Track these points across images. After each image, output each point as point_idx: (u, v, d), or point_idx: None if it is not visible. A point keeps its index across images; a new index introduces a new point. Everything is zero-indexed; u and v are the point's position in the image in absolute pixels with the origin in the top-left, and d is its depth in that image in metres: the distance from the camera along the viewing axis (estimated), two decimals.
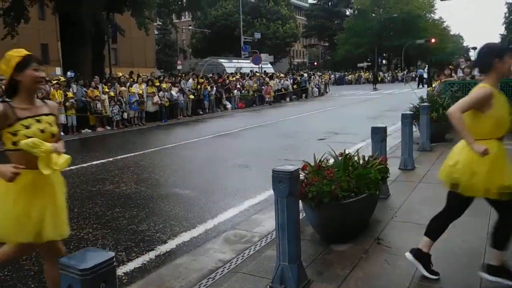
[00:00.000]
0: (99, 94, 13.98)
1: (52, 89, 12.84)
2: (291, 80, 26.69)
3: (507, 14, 58.16)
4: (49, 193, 2.38)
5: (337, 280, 2.97)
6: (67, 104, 12.95)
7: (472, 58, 17.49)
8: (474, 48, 49.55)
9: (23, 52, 2.39)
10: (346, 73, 51.36)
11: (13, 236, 2.34)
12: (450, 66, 13.43)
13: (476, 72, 9.64)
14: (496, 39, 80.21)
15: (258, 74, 25.09)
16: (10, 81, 2.38)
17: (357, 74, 49.78)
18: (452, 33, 72.10)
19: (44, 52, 32.85)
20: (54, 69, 28.69)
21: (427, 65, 32.96)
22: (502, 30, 66.24)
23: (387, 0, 57.87)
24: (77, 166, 7.67)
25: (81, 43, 18.22)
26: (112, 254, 1.54)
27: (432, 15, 61.87)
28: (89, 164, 7.92)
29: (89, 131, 13.54)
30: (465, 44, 73.67)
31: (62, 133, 12.82)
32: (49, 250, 2.49)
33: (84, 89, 14.08)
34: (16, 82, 2.37)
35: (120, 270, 3.42)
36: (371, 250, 3.45)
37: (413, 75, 42.63)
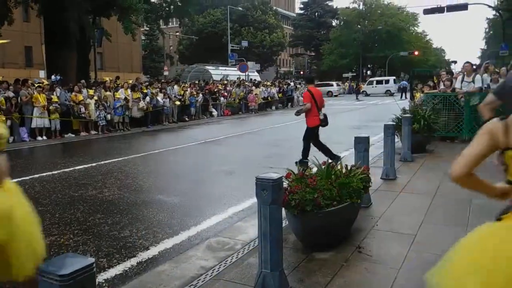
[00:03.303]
0: (83, 98, 13.84)
1: (35, 92, 12.68)
2: (277, 88, 26.88)
3: (487, 29, 59.77)
4: None
5: None
6: (50, 108, 12.79)
7: (454, 71, 17.86)
8: (455, 62, 50.64)
9: None
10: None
11: None
12: (434, 78, 13.70)
13: (457, 84, 9.87)
14: (477, 54, 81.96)
15: (247, 83, 25.16)
16: None
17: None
18: (434, 46, 73.64)
19: (28, 55, 32.44)
20: (38, 72, 28.32)
21: (408, 77, 33.61)
22: (482, 44, 67.97)
23: (372, 12, 58.89)
24: (59, 171, 7.57)
25: (66, 47, 18.05)
26: (92, 260, 1.53)
27: (416, 28, 63.15)
28: (71, 169, 7.82)
29: (72, 135, 13.37)
30: (446, 57, 75.28)
31: (45, 137, 12.65)
32: None
33: (69, 93, 13.92)
34: None
35: (101, 277, 3.38)
36: (352, 258, 3.49)
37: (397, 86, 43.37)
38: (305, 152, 7.66)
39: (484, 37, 62.69)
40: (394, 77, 41.60)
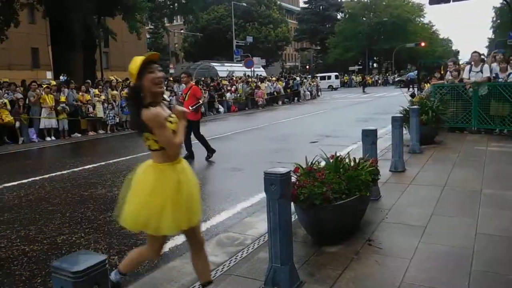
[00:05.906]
0: (90, 98, 13.93)
1: (43, 93, 12.78)
2: (284, 83, 26.81)
3: (494, 19, 59.05)
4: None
5: (329, 281, 3.00)
6: (58, 108, 12.90)
7: (461, 62, 17.66)
8: (457, 52, 50.43)
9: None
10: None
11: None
12: (441, 69, 13.57)
13: (465, 75, 9.77)
14: (485, 43, 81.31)
15: (252, 79, 25.09)
16: None
17: (346, 78, 50.49)
18: (441, 37, 72.86)
19: (35, 56, 32.65)
20: (45, 73, 28.53)
21: (416, 69, 33.91)
22: (490, 34, 67.12)
23: (377, 4, 58.41)
24: (68, 171, 7.64)
25: (72, 47, 18.16)
26: (104, 256, 1.54)
27: (422, 19, 62.61)
28: (81, 168, 7.89)
29: (79, 135, 13.46)
30: (453, 47, 74.46)
31: (53, 138, 12.77)
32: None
33: (75, 92, 14.01)
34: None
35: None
36: (362, 251, 3.49)
37: (404, 78, 43.22)
38: (207, 145, 8.29)
39: (492, 26, 61.89)
40: (336, 73, 46.26)
